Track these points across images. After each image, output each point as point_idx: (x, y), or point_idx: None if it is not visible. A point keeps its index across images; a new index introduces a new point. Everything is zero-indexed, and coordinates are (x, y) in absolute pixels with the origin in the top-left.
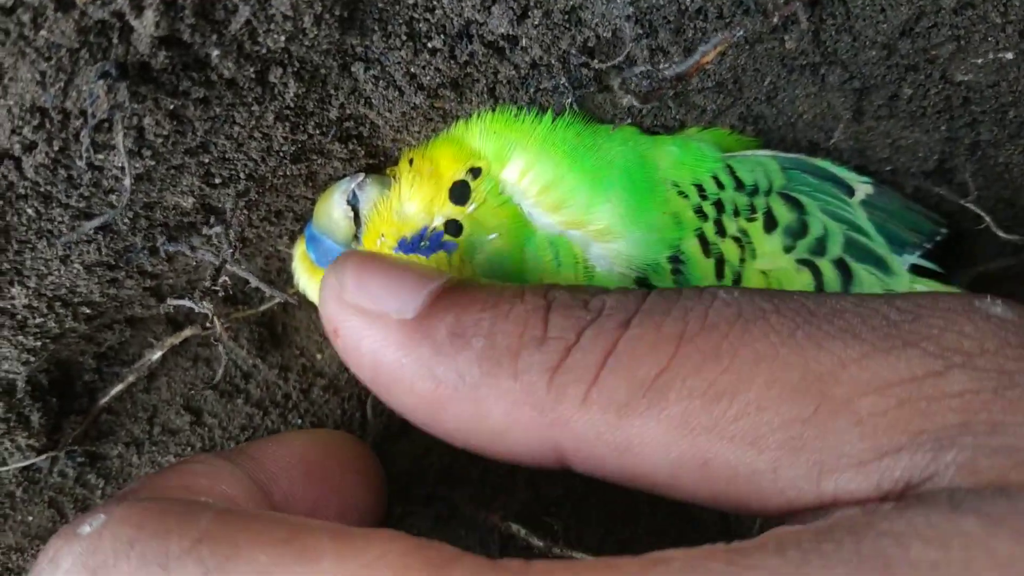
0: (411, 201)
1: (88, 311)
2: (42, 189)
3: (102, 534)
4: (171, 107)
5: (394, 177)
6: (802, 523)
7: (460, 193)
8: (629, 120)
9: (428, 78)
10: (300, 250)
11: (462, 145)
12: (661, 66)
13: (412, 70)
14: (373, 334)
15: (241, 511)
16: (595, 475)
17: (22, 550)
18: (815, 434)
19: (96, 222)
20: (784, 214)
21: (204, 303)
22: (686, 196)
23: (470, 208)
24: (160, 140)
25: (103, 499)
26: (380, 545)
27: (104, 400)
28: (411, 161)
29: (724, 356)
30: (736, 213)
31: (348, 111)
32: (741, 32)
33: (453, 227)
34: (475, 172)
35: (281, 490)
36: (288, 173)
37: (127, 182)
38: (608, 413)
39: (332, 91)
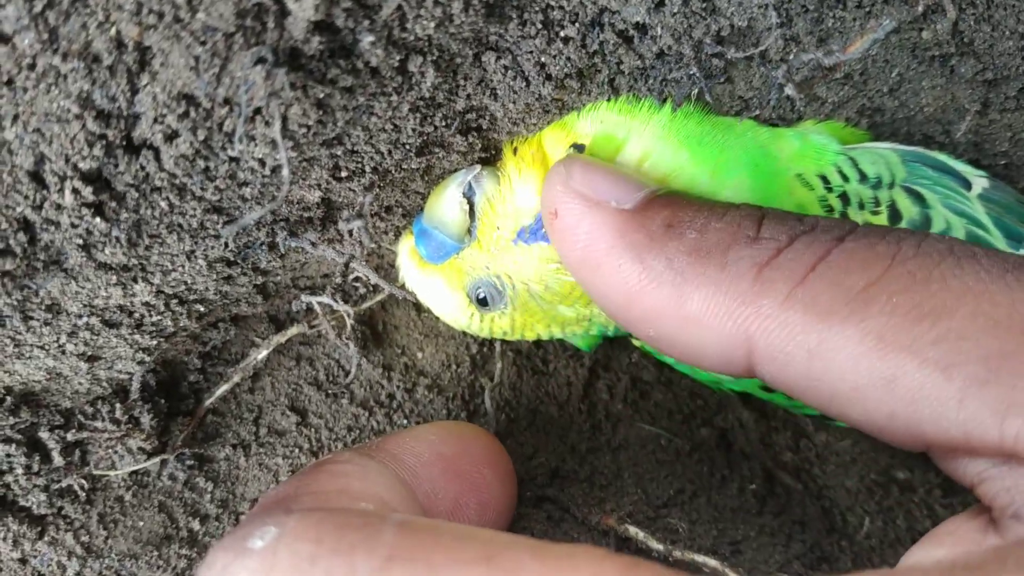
0: (523, 189)
1: (201, 309)
2: (178, 181)
3: (278, 549)
4: (319, 96)
5: (501, 170)
6: (971, 470)
7: None
8: (747, 113)
9: (557, 68)
10: (408, 246)
11: (570, 129)
12: (822, 55)
13: (543, 59)
14: (592, 217)
15: (423, 522)
16: (775, 380)
17: (135, 556)
18: (1009, 372)
19: (257, 213)
20: (908, 207)
21: (339, 301)
22: (811, 187)
23: None
24: (303, 131)
25: (212, 503)
26: (590, 564)
27: (210, 400)
28: (515, 151)
29: (934, 281)
30: (861, 206)
31: (473, 102)
32: (888, 22)
33: None
34: (579, 148)
35: (423, 488)
36: (409, 167)
37: (285, 172)
38: (808, 314)
39: (462, 81)
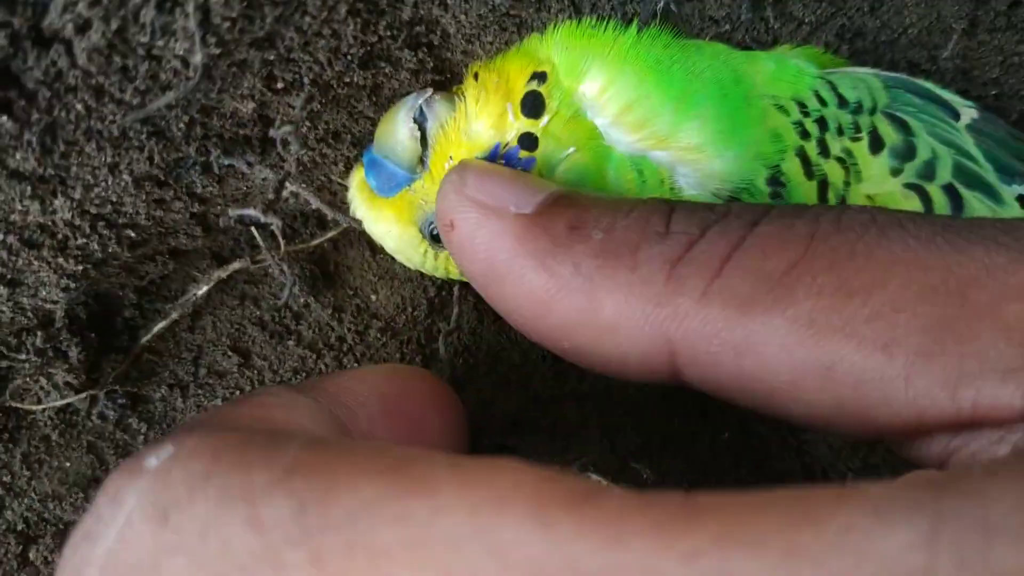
0: (479, 118)
1: (132, 235)
2: (94, 81)
3: (172, 468)
4: None
5: (459, 95)
6: (934, 450)
7: (532, 104)
8: (718, 32)
9: None
10: (358, 178)
11: (532, 57)
12: None
13: None
14: (490, 226)
15: (335, 441)
16: (706, 384)
17: (59, 498)
18: (955, 339)
19: (168, 97)
20: (890, 134)
21: (271, 216)
22: (786, 112)
23: (543, 120)
24: (227, 24)
25: (145, 445)
26: (508, 475)
27: (146, 338)
28: (476, 76)
29: (859, 255)
30: (840, 132)
31: (421, 12)
32: None
33: (528, 141)
34: (540, 77)
35: (360, 428)
36: (353, 81)
37: (198, 58)
38: (729, 308)
39: None
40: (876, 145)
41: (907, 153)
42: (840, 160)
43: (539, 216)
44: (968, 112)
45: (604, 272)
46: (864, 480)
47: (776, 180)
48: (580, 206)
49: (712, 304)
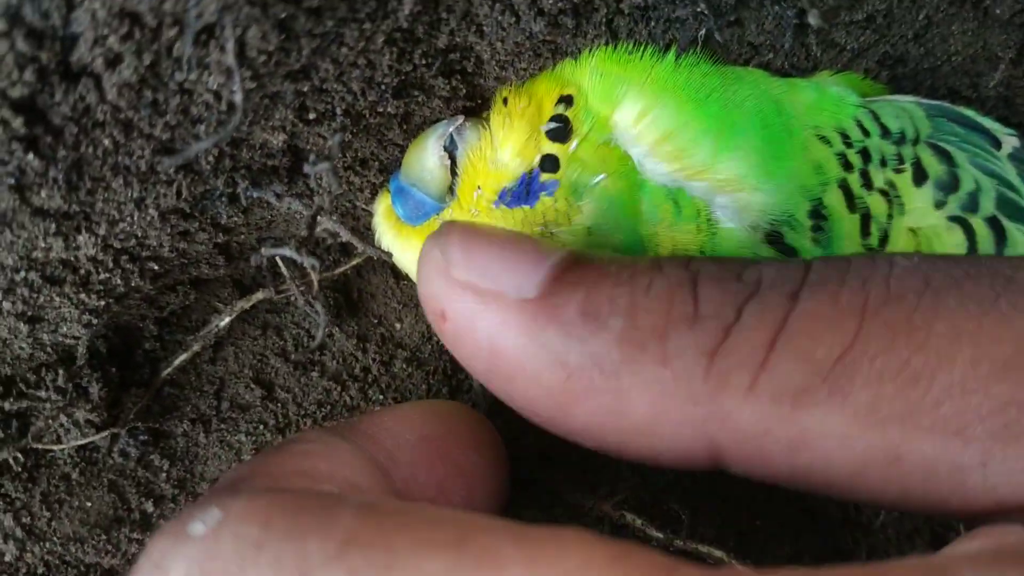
0: (506, 147)
1: (155, 268)
2: (123, 116)
3: (221, 535)
4: (281, 16)
5: (486, 122)
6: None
7: (559, 130)
8: (757, 60)
9: (550, 2)
10: (384, 206)
11: (560, 80)
12: None
13: None
14: (489, 317)
15: (388, 504)
16: (757, 477)
17: (81, 540)
18: None
19: (206, 144)
20: (934, 165)
21: (304, 255)
22: (828, 143)
23: (572, 145)
24: (263, 58)
25: (168, 483)
26: (579, 551)
27: (167, 371)
28: (505, 100)
29: (917, 331)
30: (883, 163)
31: (457, 40)
32: None
33: (550, 163)
34: (567, 101)
35: (401, 473)
36: (386, 111)
37: (238, 98)
38: (780, 404)
39: (444, 14)
40: (920, 177)
41: (951, 185)
42: (883, 192)
43: (545, 300)
44: (1010, 140)
45: (631, 368)
46: (939, 551)
47: (818, 213)
48: (590, 282)
49: (761, 400)
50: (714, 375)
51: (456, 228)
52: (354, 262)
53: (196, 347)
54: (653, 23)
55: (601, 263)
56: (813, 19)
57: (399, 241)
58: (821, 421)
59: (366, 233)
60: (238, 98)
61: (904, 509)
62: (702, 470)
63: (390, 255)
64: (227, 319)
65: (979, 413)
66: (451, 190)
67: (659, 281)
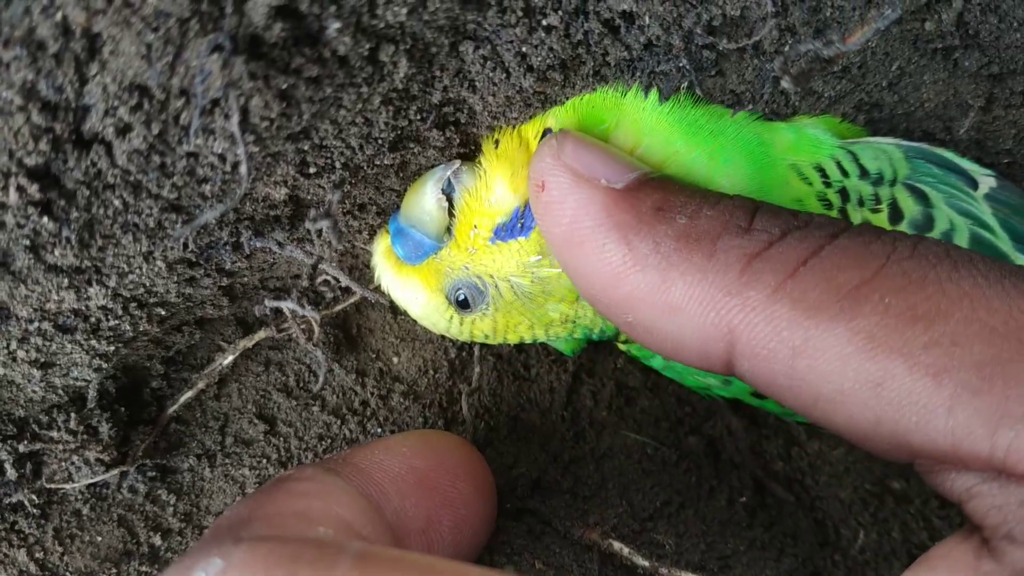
0: (499, 185)
1: (162, 312)
2: (132, 178)
3: None
4: (283, 87)
5: (479, 165)
6: (957, 486)
7: None
8: (739, 108)
9: (539, 59)
10: (383, 246)
11: (548, 119)
12: (820, 45)
13: (524, 49)
14: (580, 193)
15: (383, 553)
16: (756, 379)
17: (92, 574)
18: (1003, 382)
19: (214, 213)
20: (910, 206)
21: (306, 306)
22: (809, 182)
23: None
24: (266, 124)
25: (175, 517)
26: None
27: (174, 408)
28: (497, 143)
29: (929, 284)
30: (861, 203)
31: (450, 95)
32: (892, 12)
33: None
34: (547, 133)
35: (392, 506)
36: (383, 163)
37: (244, 168)
38: (796, 310)
39: (438, 73)
40: (896, 216)
41: (925, 224)
42: None
43: (628, 192)
44: (987, 180)
45: (682, 255)
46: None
47: None
48: (668, 189)
49: (780, 303)
50: (748, 272)
51: (571, 133)
52: (352, 300)
53: (201, 384)
54: (639, 73)
55: (681, 183)
56: (786, 83)
57: (398, 279)
58: (824, 334)
59: (365, 271)
60: (244, 167)
61: (872, 443)
62: (714, 368)
63: (388, 297)
64: (231, 357)
65: (959, 363)
66: (449, 230)
67: (725, 201)
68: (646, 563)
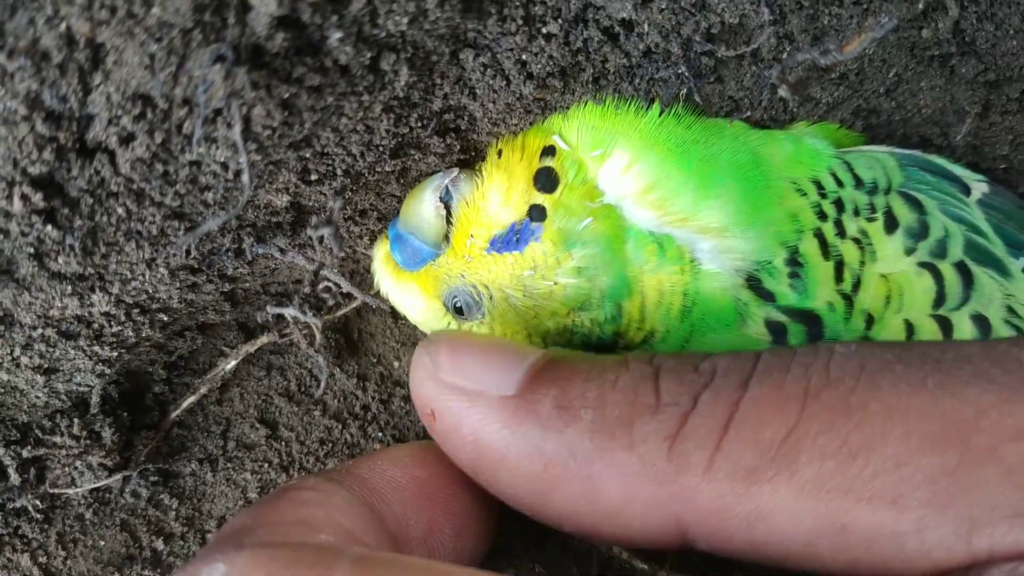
0: (497, 197)
1: (164, 318)
2: (136, 186)
3: None
4: (284, 96)
5: (478, 174)
6: None
7: (546, 180)
8: (737, 114)
9: (539, 66)
10: (383, 252)
11: (549, 134)
12: (817, 54)
13: (524, 57)
14: (474, 413)
15: (383, 558)
16: (721, 552)
17: None
18: (961, 487)
19: (217, 221)
20: (905, 214)
21: (308, 312)
22: (804, 194)
23: (559, 194)
24: (268, 132)
25: (177, 521)
26: None
27: (176, 412)
28: (500, 153)
29: (854, 411)
30: (856, 212)
31: (451, 102)
32: (889, 20)
33: (537, 212)
34: (550, 152)
35: (394, 515)
36: (384, 169)
37: (246, 177)
38: (735, 481)
39: (439, 80)
40: (891, 225)
41: (921, 232)
42: (856, 240)
43: (523, 397)
44: (979, 186)
45: (601, 455)
46: None
47: (794, 260)
48: (563, 379)
49: (718, 479)
50: (675, 457)
51: (444, 337)
52: (353, 305)
53: (203, 389)
54: (637, 81)
55: (574, 362)
56: (783, 92)
57: (397, 285)
58: (772, 496)
59: (365, 276)
60: (246, 177)
61: None
62: (673, 549)
63: (388, 302)
64: (233, 362)
65: (912, 483)
66: (446, 237)
67: (625, 376)
68: (645, 567)
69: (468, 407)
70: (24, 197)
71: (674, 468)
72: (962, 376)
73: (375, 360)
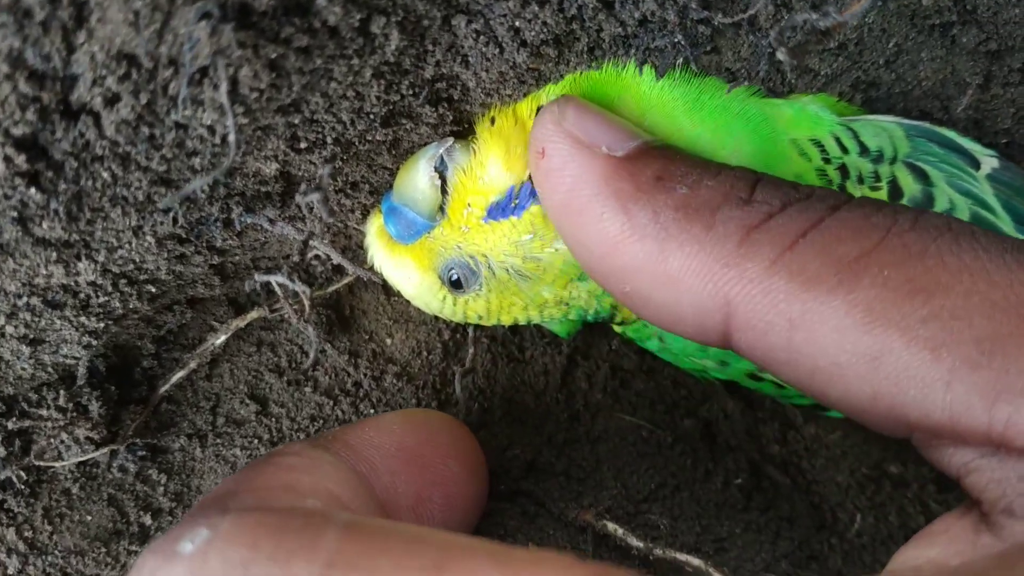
0: (493, 162)
1: (152, 290)
2: (121, 150)
3: (208, 554)
4: (272, 56)
5: (473, 143)
6: (955, 460)
7: None
8: (735, 84)
9: (533, 34)
10: (376, 225)
11: (546, 98)
12: (816, 17)
13: (517, 24)
14: (580, 160)
15: (372, 524)
16: (753, 351)
17: (82, 553)
18: (1003, 356)
19: (201, 181)
20: (909, 184)
21: (296, 280)
22: (807, 157)
23: None
24: (255, 95)
25: (166, 496)
26: (555, 574)
27: (165, 388)
28: (492, 120)
29: (929, 257)
30: (860, 180)
31: (443, 70)
32: None
33: None
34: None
35: (382, 483)
36: (375, 139)
37: (232, 138)
38: (794, 282)
39: (430, 47)
40: (895, 195)
41: (925, 203)
42: None
43: (628, 160)
44: (989, 161)
45: (681, 225)
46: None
47: None
48: (670, 158)
49: (778, 275)
50: (746, 244)
51: (574, 98)
52: (345, 280)
53: (192, 364)
54: (633, 51)
55: (684, 152)
56: (782, 56)
57: (392, 259)
58: (822, 307)
59: (357, 252)
60: (232, 136)
61: (868, 417)
62: (710, 341)
63: (380, 276)
64: (223, 337)
65: (958, 337)
66: (441, 209)
67: (727, 172)
68: (640, 544)
69: (577, 153)
70: (7, 159)
71: (742, 253)
72: None
73: (367, 337)
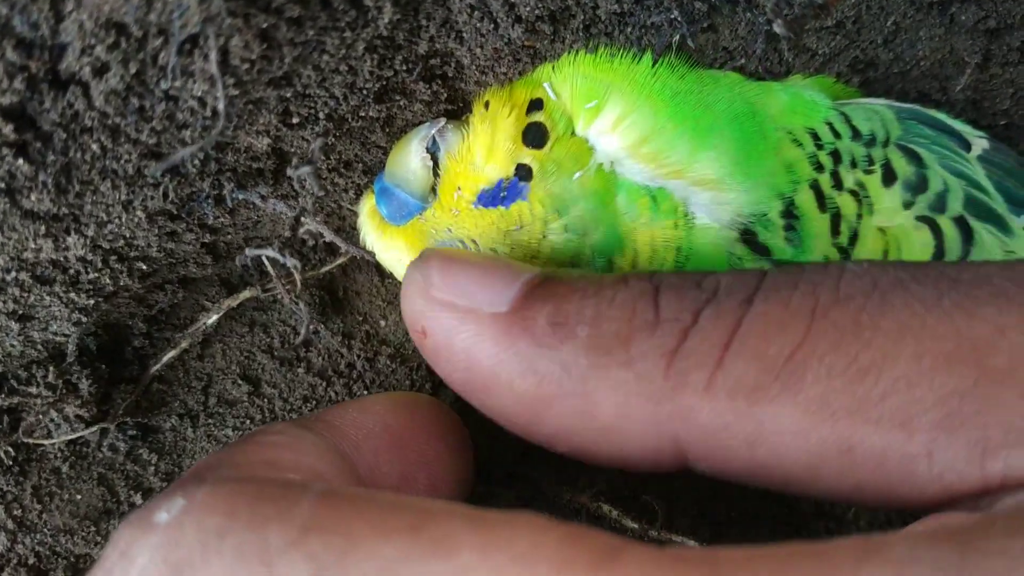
0: (484, 151)
1: (143, 267)
2: (111, 121)
3: (184, 523)
4: (263, 26)
5: (466, 125)
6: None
7: (535, 135)
8: (731, 64)
9: (528, 9)
10: (368, 206)
11: (538, 85)
12: None
13: None
14: (466, 330)
15: (348, 491)
16: (720, 475)
17: (71, 531)
18: (975, 409)
19: (189, 150)
20: (903, 167)
21: (287, 255)
22: (800, 144)
23: (548, 148)
24: (246, 66)
25: (156, 476)
26: (530, 534)
27: (156, 367)
28: (487, 104)
29: (864, 329)
30: (853, 164)
31: (437, 46)
32: None
33: (524, 171)
34: (537, 105)
35: (366, 462)
36: (368, 115)
37: (221, 106)
38: (736, 400)
39: (424, 22)
40: (889, 178)
41: (919, 185)
42: (853, 193)
43: (517, 314)
44: (979, 143)
45: (597, 372)
46: (881, 531)
47: (790, 213)
48: (559, 296)
49: (718, 397)
50: (673, 374)
51: (435, 253)
52: (339, 261)
53: (184, 344)
54: (629, 29)
55: (570, 280)
56: (778, 28)
57: (383, 240)
58: (775, 416)
59: (351, 232)
60: (221, 105)
61: (860, 502)
62: (671, 471)
63: (373, 254)
64: (215, 317)
65: (923, 404)
66: (433, 190)
67: (623, 293)
68: (635, 525)
69: (460, 324)
70: None
71: (672, 386)
72: (980, 295)
73: (361, 318)
